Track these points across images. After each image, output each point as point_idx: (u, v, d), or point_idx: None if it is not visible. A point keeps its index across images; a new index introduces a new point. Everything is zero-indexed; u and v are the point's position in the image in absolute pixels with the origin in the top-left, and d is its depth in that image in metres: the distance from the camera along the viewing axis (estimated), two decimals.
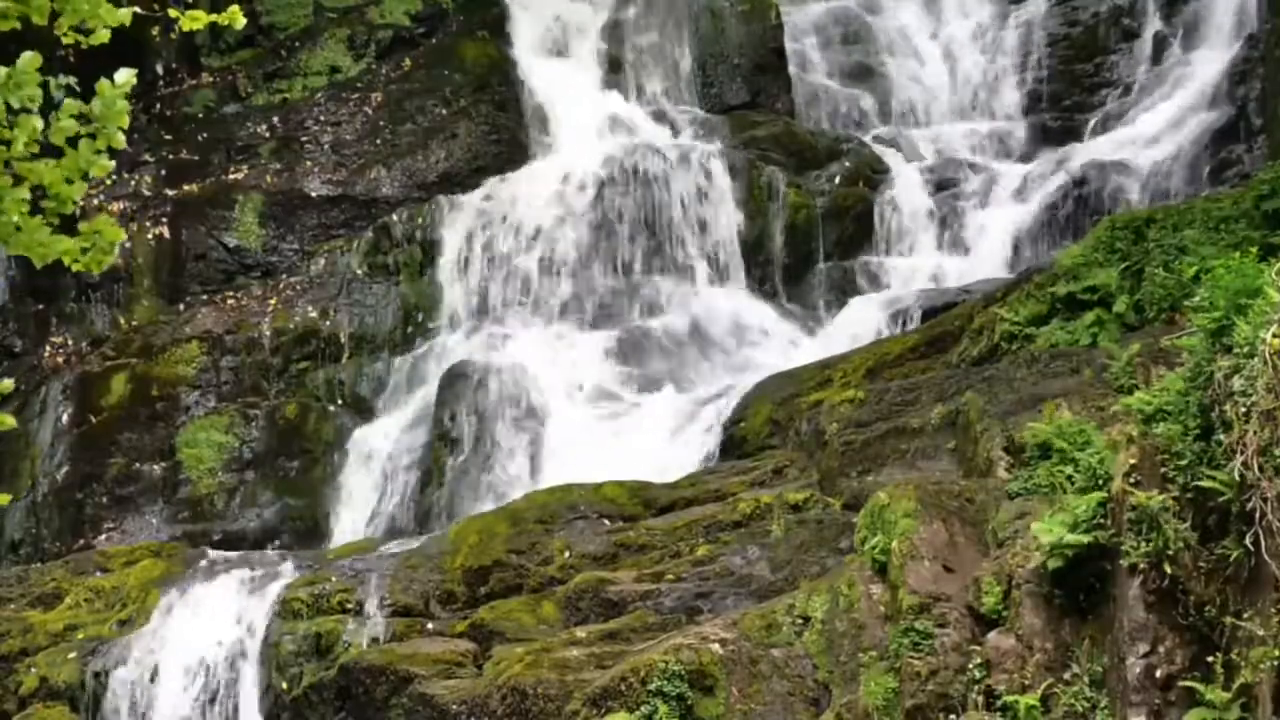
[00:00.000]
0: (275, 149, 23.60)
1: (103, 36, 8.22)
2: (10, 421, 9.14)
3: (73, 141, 8.14)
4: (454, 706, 14.19)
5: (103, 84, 7.96)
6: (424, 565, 16.36)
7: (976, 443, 14.65)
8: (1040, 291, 17.27)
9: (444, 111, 23.71)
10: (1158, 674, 11.24)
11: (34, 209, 8.27)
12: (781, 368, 19.77)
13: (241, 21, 8.72)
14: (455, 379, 20.25)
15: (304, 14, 24.96)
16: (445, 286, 21.88)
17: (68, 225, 8.44)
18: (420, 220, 22.25)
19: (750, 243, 22.34)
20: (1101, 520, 11.89)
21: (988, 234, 22.18)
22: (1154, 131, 22.55)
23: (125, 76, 7.97)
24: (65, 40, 8.23)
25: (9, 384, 9.16)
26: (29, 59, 7.85)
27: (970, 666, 12.30)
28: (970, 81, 25.18)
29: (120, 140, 8.08)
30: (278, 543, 19.70)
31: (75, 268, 8.40)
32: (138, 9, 8.62)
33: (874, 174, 23.12)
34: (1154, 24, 24.33)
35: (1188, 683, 11.06)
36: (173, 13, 8.91)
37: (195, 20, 8.81)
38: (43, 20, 8.15)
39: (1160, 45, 24.12)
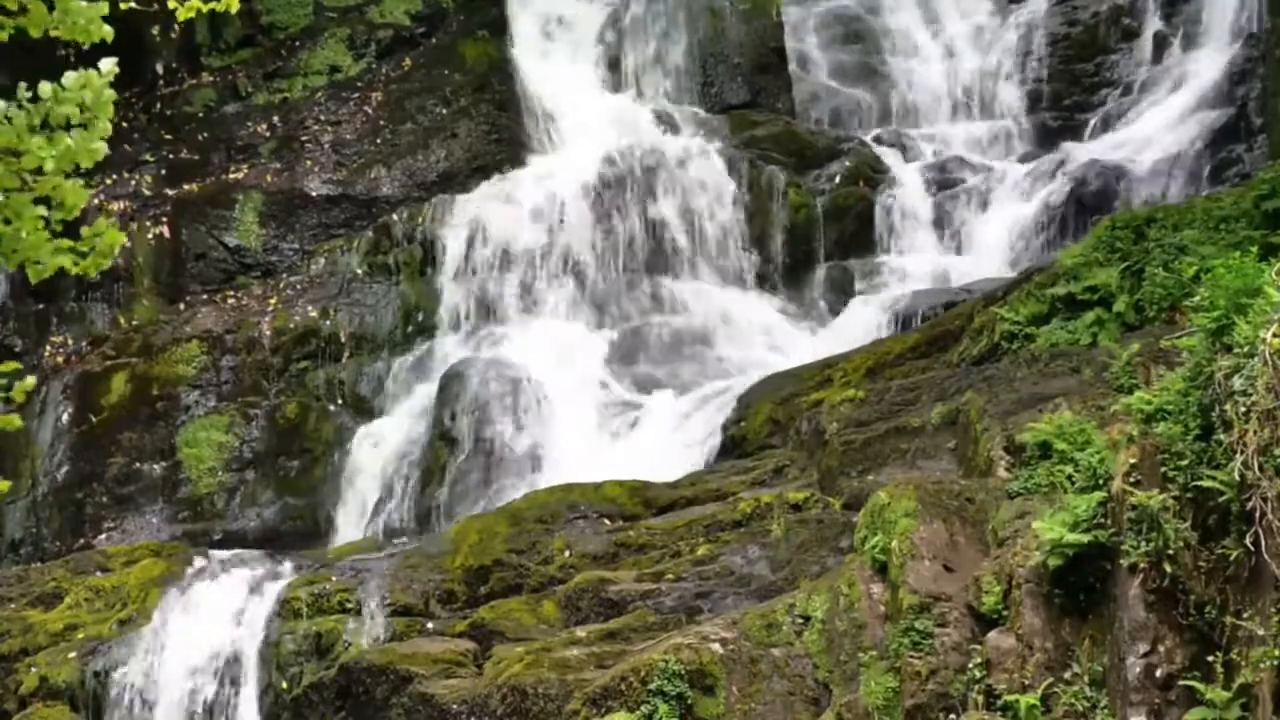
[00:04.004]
0: (275, 148, 23.59)
1: (105, 33, 8.29)
2: (16, 422, 9.16)
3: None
4: (454, 706, 14.18)
5: (90, 74, 8.03)
6: (424, 565, 16.36)
7: (977, 442, 14.64)
8: (1040, 291, 17.25)
9: (444, 111, 23.70)
10: (1158, 673, 11.24)
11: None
12: (781, 367, 19.76)
13: (237, 6, 8.79)
14: (455, 378, 20.24)
15: (304, 13, 24.95)
16: (445, 286, 21.86)
17: (69, 228, 8.48)
18: (420, 220, 22.25)
19: (750, 242, 22.34)
20: (1102, 520, 11.89)
21: (988, 234, 22.17)
22: (1154, 131, 22.54)
23: (109, 66, 8.06)
24: (63, 38, 8.28)
25: (31, 381, 9.17)
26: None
27: (970, 666, 12.30)
28: (970, 81, 25.17)
29: (108, 128, 8.16)
30: (278, 543, 19.67)
31: (74, 271, 8.45)
32: (135, 4, 8.66)
33: (874, 174, 23.11)
34: (1154, 24, 24.33)
35: (1188, 682, 11.07)
36: (171, 3, 8.95)
37: (191, 10, 8.86)
38: (37, 33, 8.21)
39: (1160, 45, 24.12)
